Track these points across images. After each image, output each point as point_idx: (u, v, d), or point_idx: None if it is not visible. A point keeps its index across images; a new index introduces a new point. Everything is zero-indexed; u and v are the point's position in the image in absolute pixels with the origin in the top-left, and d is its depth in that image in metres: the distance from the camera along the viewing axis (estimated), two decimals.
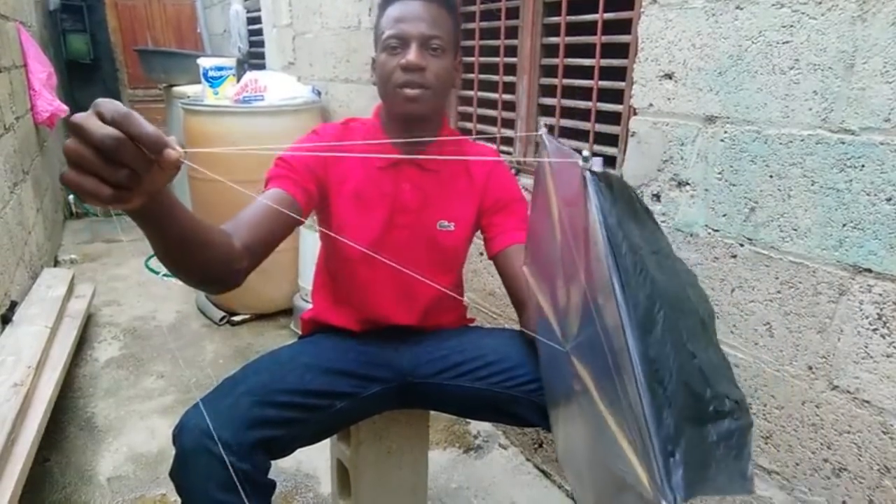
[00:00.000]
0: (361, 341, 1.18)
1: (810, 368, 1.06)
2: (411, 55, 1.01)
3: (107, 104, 0.53)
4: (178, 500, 0.95)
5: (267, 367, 1.08)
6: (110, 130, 0.51)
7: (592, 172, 0.60)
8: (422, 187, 1.13)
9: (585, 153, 0.61)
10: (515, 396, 1.09)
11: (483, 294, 1.92)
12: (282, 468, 1.71)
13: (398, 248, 1.13)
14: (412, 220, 1.13)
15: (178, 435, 0.92)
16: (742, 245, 1.13)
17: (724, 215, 1.15)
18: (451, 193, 1.15)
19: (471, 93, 1.92)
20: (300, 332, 1.34)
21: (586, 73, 1.50)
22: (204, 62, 2.61)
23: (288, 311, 2.70)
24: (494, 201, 1.16)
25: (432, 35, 1.02)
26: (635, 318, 0.53)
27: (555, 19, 1.58)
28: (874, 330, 0.96)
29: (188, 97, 2.92)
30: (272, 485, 0.97)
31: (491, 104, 1.88)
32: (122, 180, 0.54)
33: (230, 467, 0.88)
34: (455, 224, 1.15)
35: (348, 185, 1.11)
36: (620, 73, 1.38)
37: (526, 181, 1.60)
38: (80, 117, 0.52)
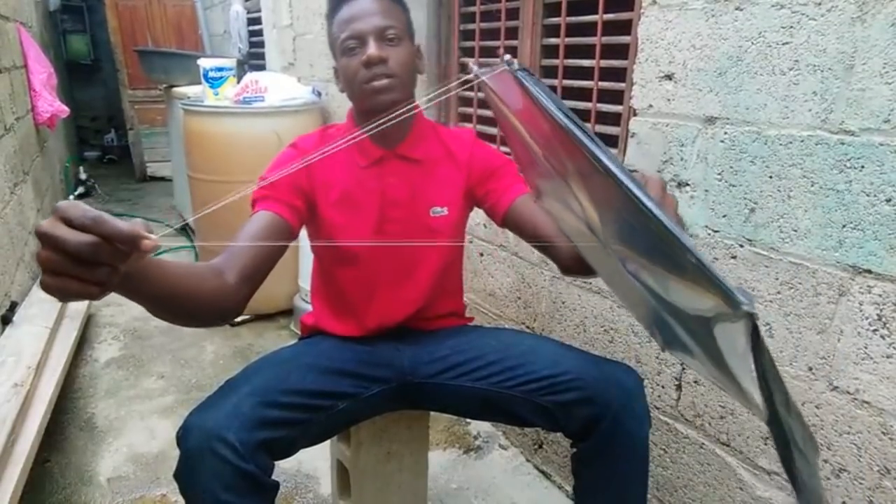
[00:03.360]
0: (362, 342, 1.19)
1: (810, 369, 1.06)
2: (371, 49, 1.01)
3: (72, 209, 0.52)
4: (180, 500, 0.95)
5: (269, 367, 1.08)
6: (84, 237, 0.51)
7: (523, 69, 0.62)
8: (408, 178, 1.13)
9: (507, 57, 0.64)
10: (515, 396, 1.09)
11: (483, 294, 1.93)
12: (282, 469, 1.71)
13: (393, 242, 1.14)
14: (404, 213, 1.13)
15: (183, 436, 0.92)
16: (742, 246, 1.13)
17: (724, 216, 1.15)
18: (437, 179, 1.15)
19: (471, 94, 1.92)
20: (300, 333, 1.34)
21: (586, 74, 1.50)
22: (204, 63, 2.61)
23: (288, 312, 2.70)
24: (482, 171, 1.17)
25: (386, 26, 1.03)
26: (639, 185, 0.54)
27: (555, 20, 1.58)
28: (874, 331, 0.96)
29: (188, 98, 2.92)
30: (276, 485, 0.97)
31: None
32: (104, 277, 0.54)
33: (235, 468, 0.88)
34: (448, 207, 1.16)
35: (335, 190, 1.11)
36: (620, 75, 1.38)
37: None
38: (47, 227, 0.51)
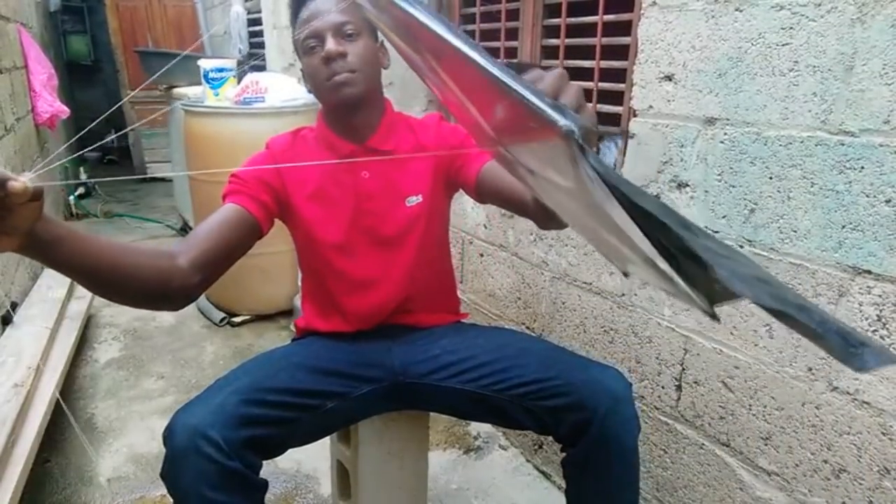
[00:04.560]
0: (353, 342, 1.19)
1: (810, 370, 1.06)
2: (329, 45, 1.03)
3: None
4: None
5: (257, 367, 1.09)
6: None
7: None
8: (380, 171, 1.14)
9: None
10: (505, 399, 1.09)
11: (483, 295, 1.93)
12: (282, 469, 1.72)
13: (373, 233, 1.15)
14: (379, 205, 1.14)
15: (169, 435, 0.92)
16: (742, 246, 1.13)
17: (724, 217, 1.15)
18: (409, 169, 1.16)
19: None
20: (295, 335, 1.34)
21: (586, 74, 1.51)
22: (204, 63, 2.61)
23: (288, 312, 2.70)
24: (451, 149, 1.17)
25: (343, 21, 1.05)
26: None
27: (555, 21, 1.58)
28: (874, 331, 0.96)
29: (189, 98, 2.92)
30: (264, 484, 0.97)
31: None
32: None
33: (220, 466, 0.88)
34: (422, 195, 1.16)
35: (308, 187, 1.13)
36: (620, 75, 1.38)
37: None
38: None
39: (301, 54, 1.10)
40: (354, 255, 1.15)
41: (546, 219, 1.00)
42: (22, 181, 0.55)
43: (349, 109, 1.10)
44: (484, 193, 1.13)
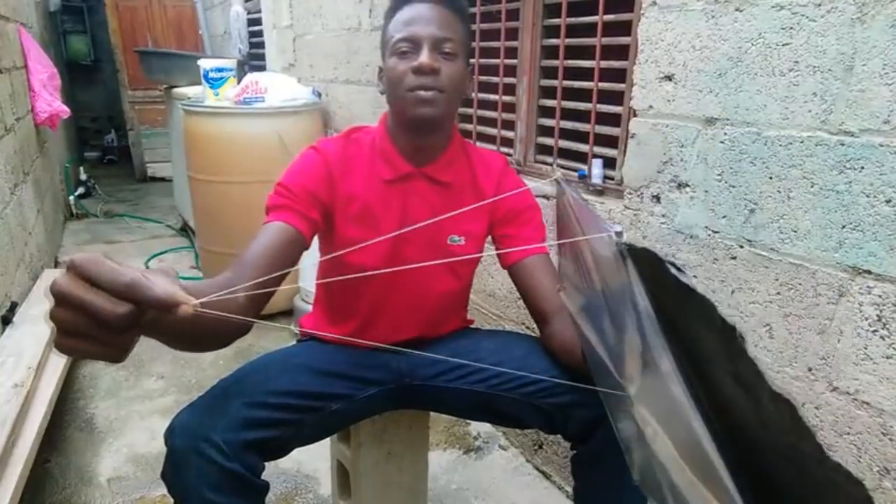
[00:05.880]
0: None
1: (810, 370, 1.06)
2: (424, 57, 0.97)
3: (105, 273, 0.46)
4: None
5: (261, 368, 1.08)
6: (122, 310, 0.46)
7: (627, 246, 0.60)
8: (431, 202, 1.10)
9: (617, 227, 0.61)
10: (513, 399, 1.09)
11: (483, 295, 1.93)
12: (282, 469, 1.72)
13: (408, 263, 1.11)
14: (422, 236, 1.08)
15: (170, 436, 0.92)
16: (742, 246, 1.13)
17: (724, 217, 1.15)
18: (460, 207, 1.10)
19: (470, 94, 1.93)
20: (298, 335, 1.34)
21: (586, 74, 1.51)
22: (204, 63, 2.61)
23: (288, 312, 2.70)
24: (506, 211, 1.13)
25: (445, 38, 0.99)
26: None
27: (555, 21, 1.58)
28: (874, 331, 0.96)
29: (189, 98, 2.92)
30: (265, 486, 0.97)
31: (491, 105, 1.88)
32: (130, 342, 0.50)
33: (220, 468, 0.88)
34: (465, 238, 1.13)
35: (355, 204, 1.08)
36: (620, 75, 1.38)
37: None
38: (67, 287, 0.45)
39: (388, 53, 1.03)
40: (385, 285, 1.11)
41: (556, 350, 1.04)
42: (194, 303, 0.49)
43: (420, 128, 1.05)
44: (512, 276, 1.12)
